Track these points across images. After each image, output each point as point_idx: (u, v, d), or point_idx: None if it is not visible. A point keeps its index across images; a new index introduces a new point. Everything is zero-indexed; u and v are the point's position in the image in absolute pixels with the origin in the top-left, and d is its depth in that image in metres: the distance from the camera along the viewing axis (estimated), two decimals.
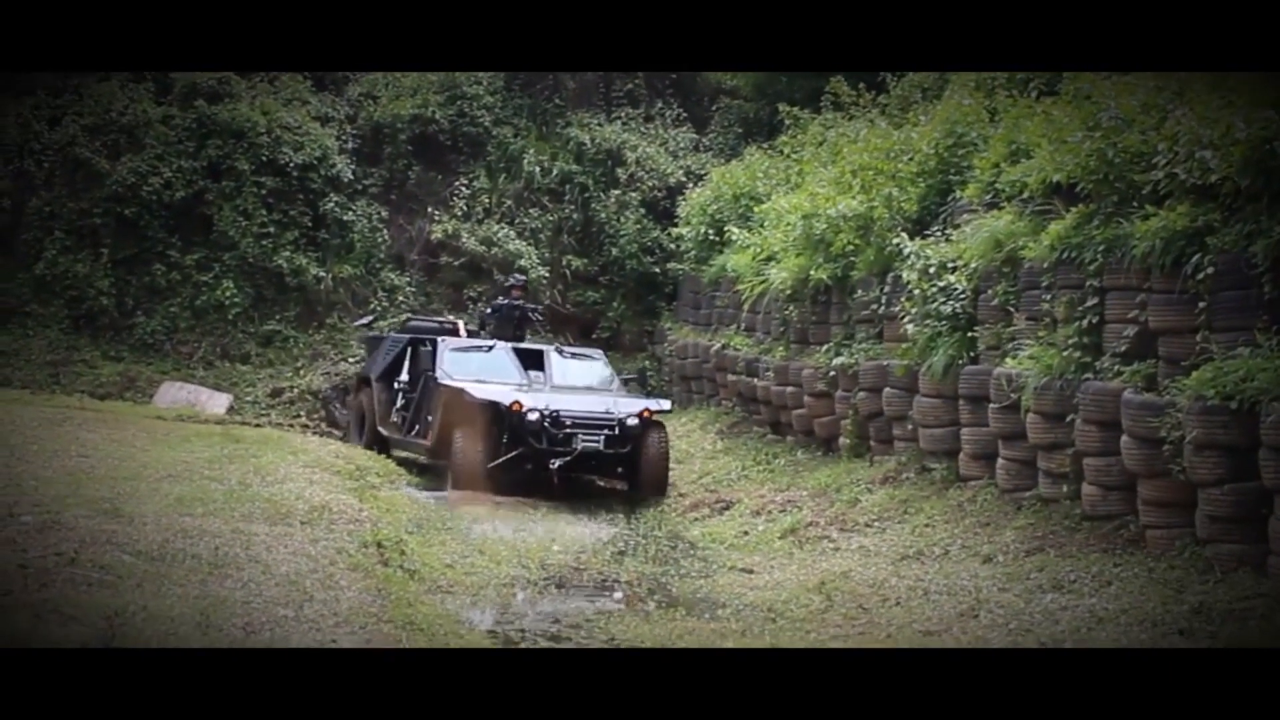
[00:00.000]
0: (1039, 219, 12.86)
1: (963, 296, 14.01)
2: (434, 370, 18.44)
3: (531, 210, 26.12)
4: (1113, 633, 9.65)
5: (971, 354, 13.98)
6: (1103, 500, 11.60)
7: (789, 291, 18.43)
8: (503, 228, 25.48)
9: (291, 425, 21.33)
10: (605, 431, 17.13)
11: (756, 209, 21.21)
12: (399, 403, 19.39)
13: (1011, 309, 13.27)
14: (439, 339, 19.19)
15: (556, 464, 16.90)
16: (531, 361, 18.80)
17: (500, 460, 17.05)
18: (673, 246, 25.06)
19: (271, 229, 24.26)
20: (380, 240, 25.25)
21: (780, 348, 19.06)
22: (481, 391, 17.38)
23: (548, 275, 25.38)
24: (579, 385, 18.57)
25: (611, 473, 18.28)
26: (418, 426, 18.65)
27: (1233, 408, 9.82)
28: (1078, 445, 11.82)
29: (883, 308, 16.04)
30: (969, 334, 13.98)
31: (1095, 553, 11.21)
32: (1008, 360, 13.08)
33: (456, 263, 25.34)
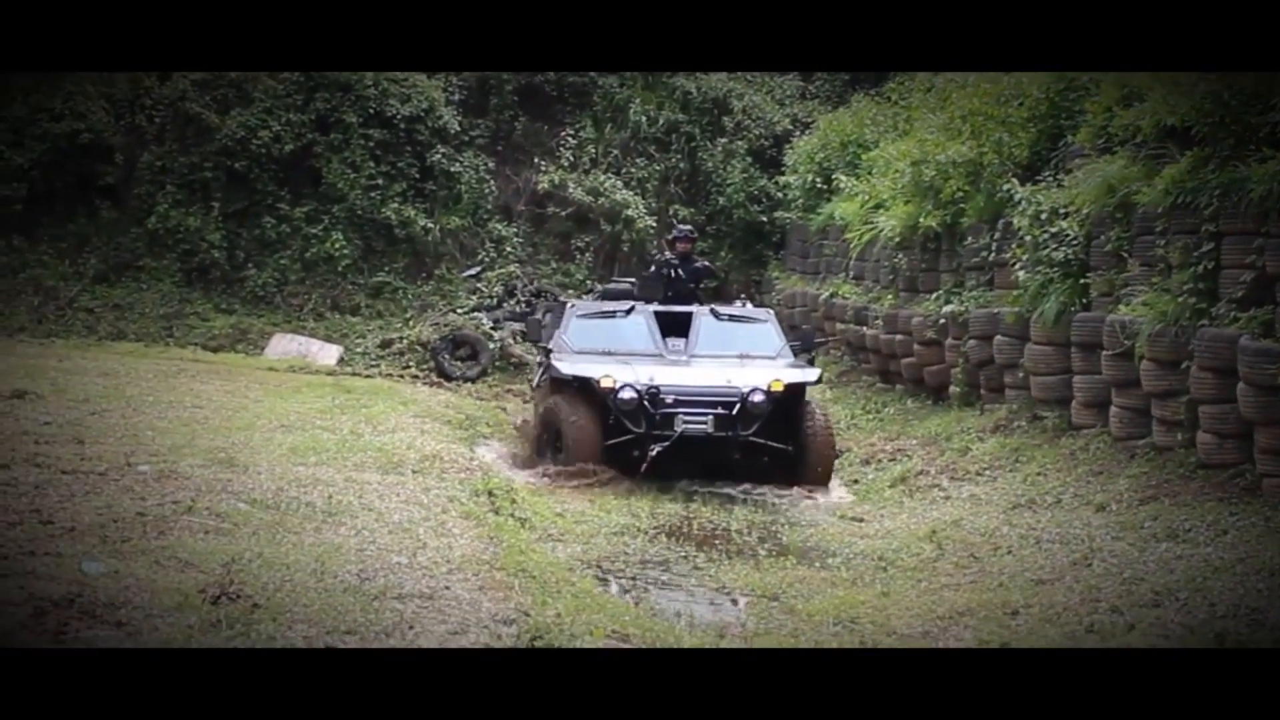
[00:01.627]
0: (1153, 163, 12.65)
1: (1075, 243, 13.82)
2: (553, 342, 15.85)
3: (638, 160, 26.06)
4: (1229, 582, 9.51)
5: (1084, 301, 13.81)
6: (1218, 448, 11.43)
7: (897, 239, 18.28)
8: (609, 178, 25.44)
9: (401, 376, 21.47)
10: (716, 411, 14.46)
11: (864, 156, 21.05)
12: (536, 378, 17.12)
13: (1125, 255, 13.07)
14: (569, 304, 16.72)
15: (654, 450, 14.29)
16: (678, 327, 15.93)
17: (611, 445, 14.54)
18: (780, 195, 24.95)
19: (379, 181, 24.37)
20: (487, 191, 25.30)
21: (889, 296, 18.92)
22: (571, 365, 14.94)
23: (655, 225, 25.31)
24: (729, 354, 15.53)
25: (735, 460, 14.93)
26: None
27: None
28: (1193, 393, 11.64)
29: (993, 255, 15.87)
30: (1081, 281, 13.80)
31: (1210, 501, 11.05)
32: (1121, 307, 12.91)
33: (564, 213, 25.35)
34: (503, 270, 24.06)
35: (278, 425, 13.68)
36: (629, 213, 24.75)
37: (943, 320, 16.83)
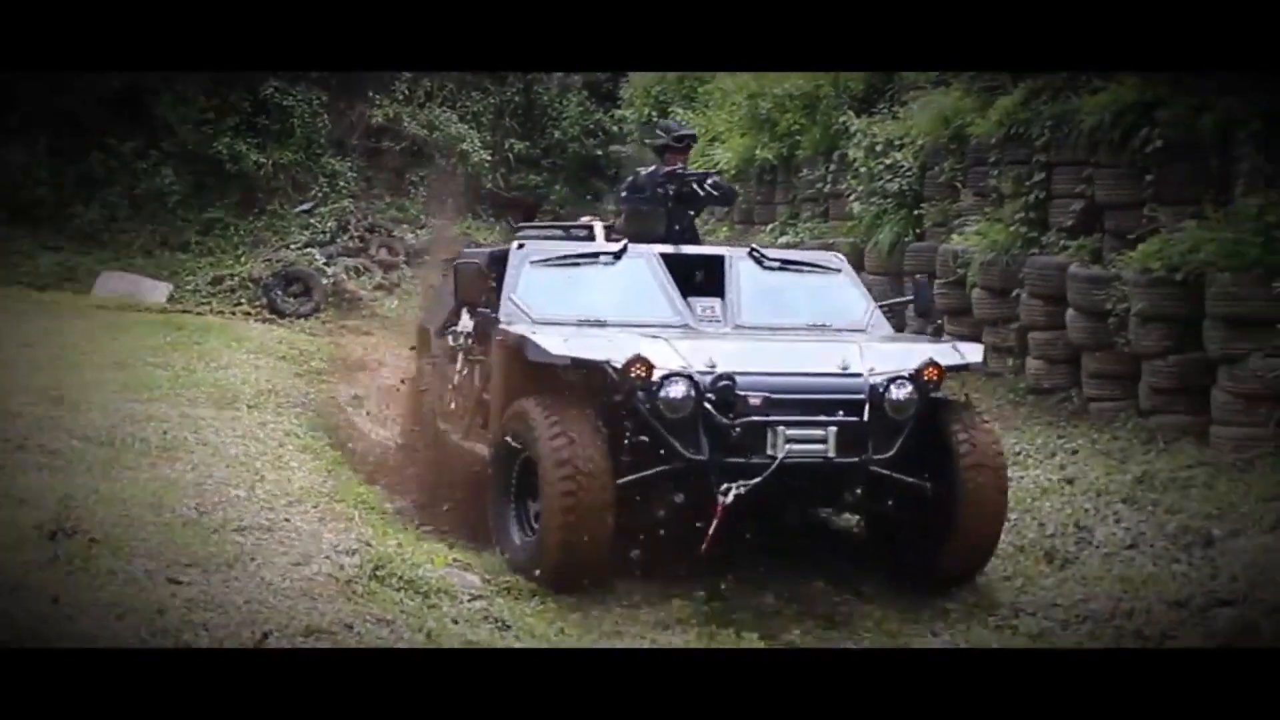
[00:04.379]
0: (986, 95, 12.85)
1: (909, 174, 14.01)
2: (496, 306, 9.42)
3: (474, 93, 25.83)
4: (1057, 502, 9.81)
5: (918, 231, 14.02)
6: (1047, 374, 11.72)
7: (734, 172, 18.34)
8: (444, 111, 25.20)
9: (233, 313, 21.10)
10: (836, 418, 8.25)
11: (700, 89, 21.07)
12: (459, 370, 10.26)
13: (958, 185, 13.30)
14: (513, 248, 9.85)
15: (733, 492, 7.99)
16: (699, 279, 9.79)
17: (626, 482, 8.18)
18: (616, 129, 24.91)
19: (210, 115, 23.88)
20: (320, 125, 24.88)
21: (724, 228, 19.02)
22: (563, 344, 8.44)
23: (490, 159, 25.14)
24: (794, 322, 9.58)
25: (847, 508, 9.48)
26: (476, 416, 9.84)
27: (1178, 279, 9.90)
28: (1023, 319, 11.91)
29: (828, 186, 16.03)
30: (915, 211, 14.01)
31: (1040, 425, 11.33)
32: (954, 237, 13.14)
33: (398, 148, 25.06)
34: (336, 205, 23.68)
35: (109, 363, 13.38)
36: (464, 146, 24.54)
37: None
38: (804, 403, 8.25)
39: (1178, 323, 10.10)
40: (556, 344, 8.38)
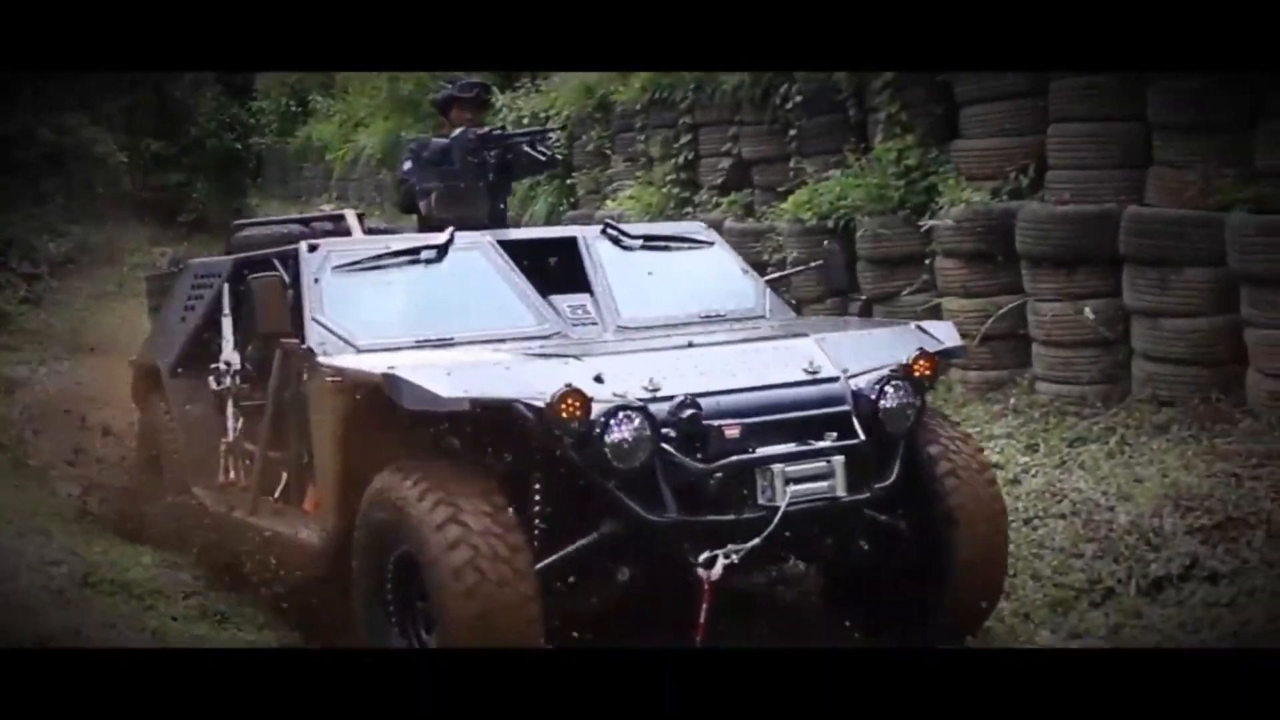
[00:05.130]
0: None
1: (558, 144, 14.23)
2: (300, 331, 6.80)
3: (104, 94, 25.03)
4: None
5: (572, 200, 14.28)
6: None
7: (380, 156, 18.34)
8: (76, 115, 24.35)
9: None
10: (835, 444, 5.98)
11: (338, 75, 20.97)
12: (231, 415, 7.86)
13: (607, 152, 13.61)
14: (302, 250, 7.12)
15: (720, 563, 5.70)
16: (550, 271, 7.49)
17: (549, 564, 5.83)
18: (253, 121, 24.51)
19: None
20: None
21: (375, 211, 18.94)
22: (449, 383, 5.73)
23: (126, 159, 24.42)
24: (685, 317, 7.32)
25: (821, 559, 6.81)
26: (290, 475, 7.35)
27: (829, 226, 10.34)
28: None
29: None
30: (567, 180, 14.24)
31: None
32: (608, 202, 13.40)
33: (30, 156, 24.10)
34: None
35: None
36: (99, 150, 23.77)
37: None
38: (788, 426, 6.00)
39: None
40: (442, 382, 5.68)
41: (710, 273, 7.67)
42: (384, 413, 5.99)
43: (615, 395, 5.72)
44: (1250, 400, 8.04)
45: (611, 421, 5.59)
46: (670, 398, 5.78)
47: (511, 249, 7.21)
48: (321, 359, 6.43)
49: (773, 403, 6.01)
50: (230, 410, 7.70)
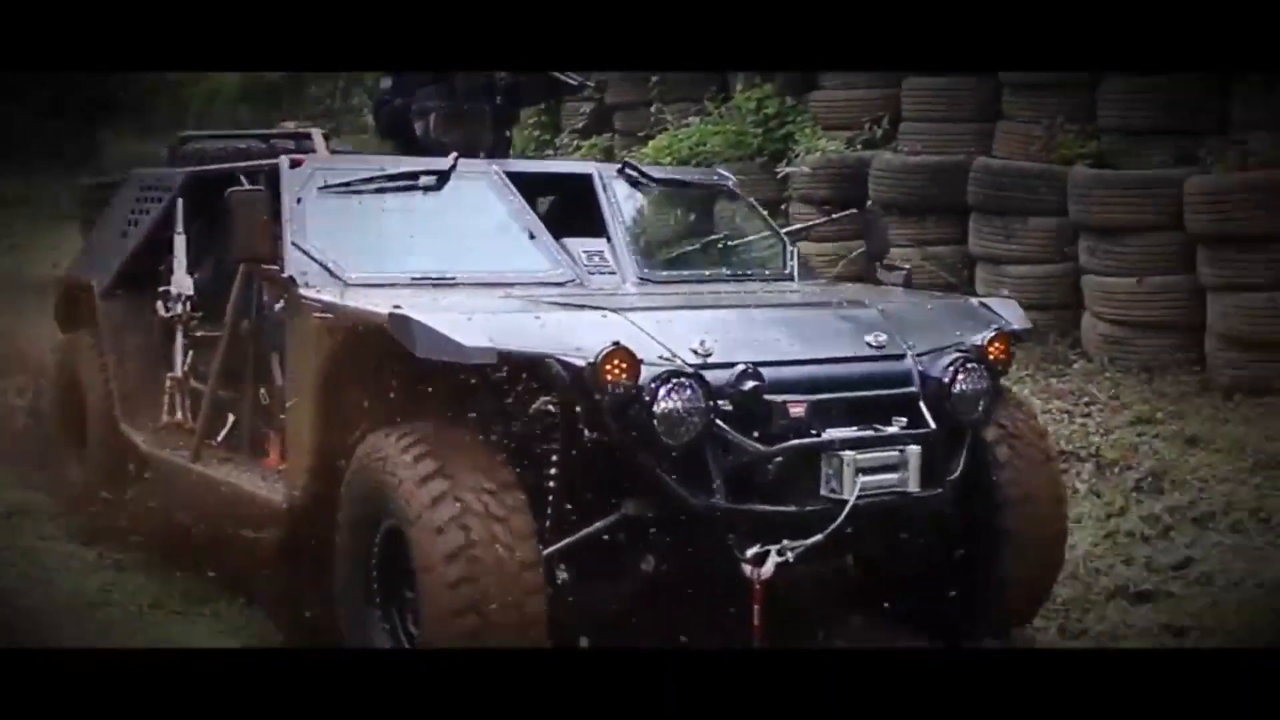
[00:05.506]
0: None
1: None
2: (281, 257, 5.75)
3: None
4: None
5: None
6: None
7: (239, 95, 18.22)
8: None
9: None
10: (907, 430, 5.19)
11: None
12: (180, 347, 6.95)
13: None
14: (279, 165, 6.11)
15: (771, 560, 4.89)
16: (561, 208, 6.85)
17: (561, 549, 5.03)
18: None
19: None
20: None
21: None
22: (478, 331, 4.79)
23: None
24: (712, 274, 6.58)
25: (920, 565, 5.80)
26: (241, 419, 6.54)
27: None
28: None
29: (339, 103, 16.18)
30: None
31: None
32: None
33: None
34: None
35: None
36: None
37: None
38: (856, 407, 5.20)
39: None
40: (464, 330, 4.79)
41: (735, 226, 6.99)
42: (382, 360, 5.27)
43: (663, 359, 4.88)
44: (1084, 343, 8.57)
45: (662, 389, 4.76)
46: (728, 365, 4.94)
47: (520, 181, 6.30)
48: (304, 291, 5.51)
49: (839, 378, 5.23)
50: (180, 341, 6.85)
